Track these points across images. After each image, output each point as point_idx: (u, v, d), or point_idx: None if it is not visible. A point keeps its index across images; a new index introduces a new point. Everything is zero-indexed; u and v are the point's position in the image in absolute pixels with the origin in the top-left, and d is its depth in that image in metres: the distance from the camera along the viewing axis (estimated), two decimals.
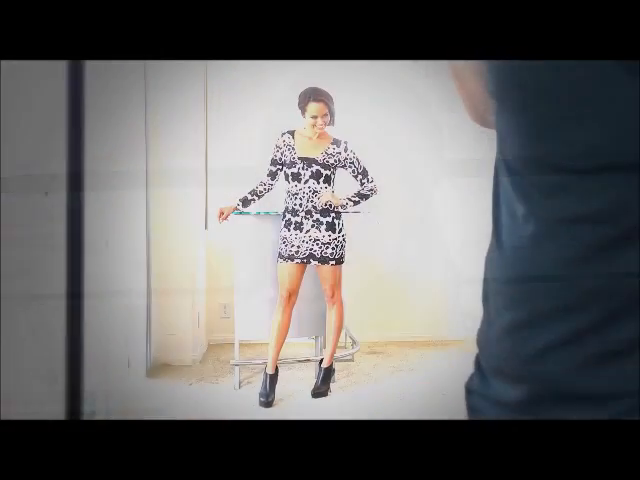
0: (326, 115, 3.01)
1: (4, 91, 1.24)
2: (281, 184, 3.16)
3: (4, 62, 1.20)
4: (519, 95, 0.57)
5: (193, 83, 3.70)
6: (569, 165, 0.54)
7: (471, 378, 0.67)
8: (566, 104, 0.54)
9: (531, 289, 0.57)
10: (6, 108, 1.28)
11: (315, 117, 3.00)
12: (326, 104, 3.00)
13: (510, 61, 0.57)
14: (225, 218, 3.11)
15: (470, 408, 0.66)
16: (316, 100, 2.99)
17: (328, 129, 3.12)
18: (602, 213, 0.53)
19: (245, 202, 3.14)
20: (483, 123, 0.73)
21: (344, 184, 3.24)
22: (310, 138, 3.08)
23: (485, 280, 0.64)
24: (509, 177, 0.60)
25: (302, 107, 3.04)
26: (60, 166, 1.52)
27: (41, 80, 1.50)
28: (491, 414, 0.62)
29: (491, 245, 0.63)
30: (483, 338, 0.64)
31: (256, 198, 3.16)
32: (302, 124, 3.10)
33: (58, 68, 1.49)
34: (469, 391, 0.66)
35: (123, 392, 2.91)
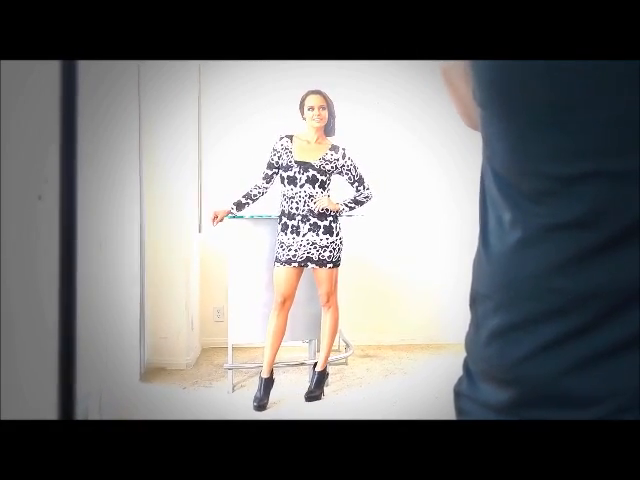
0: (324, 108, 3.02)
1: None
2: (275, 187, 3.16)
3: None
4: (503, 102, 0.58)
5: (186, 85, 3.70)
6: (554, 171, 0.55)
7: (460, 381, 0.67)
8: (550, 111, 0.54)
9: (517, 293, 0.58)
10: None
11: (312, 108, 3.01)
12: (324, 98, 3.03)
13: (494, 69, 0.58)
14: (219, 221, 3.12)
15: (459, 411, 0.66)
16: (314, 92, 3.03)
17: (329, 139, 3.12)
18: (587, 219, 0.53)
19: (239, 206, 3.14)
20: (476, 127, 0.73)
21: (341, 188, 3.26)
22: (308, 142, 3.08)
23: (472, 284, 0.65)
24: (495, 183, 0.61)
25: (301, 103, 3.06)
26: (53, 170, 1.52)
27: (32, 81, 1.49)
28: (479, 416, 0.63)
29: (478, 250, 0.64)
30: (471, 341, 0.64)
31: (250, 202, 3.16)
32: (300, 128, 3.11)
33: (51, 69, 1.48)
34: (457, 394, 0.67)
35: (116, 396, 2.90)
